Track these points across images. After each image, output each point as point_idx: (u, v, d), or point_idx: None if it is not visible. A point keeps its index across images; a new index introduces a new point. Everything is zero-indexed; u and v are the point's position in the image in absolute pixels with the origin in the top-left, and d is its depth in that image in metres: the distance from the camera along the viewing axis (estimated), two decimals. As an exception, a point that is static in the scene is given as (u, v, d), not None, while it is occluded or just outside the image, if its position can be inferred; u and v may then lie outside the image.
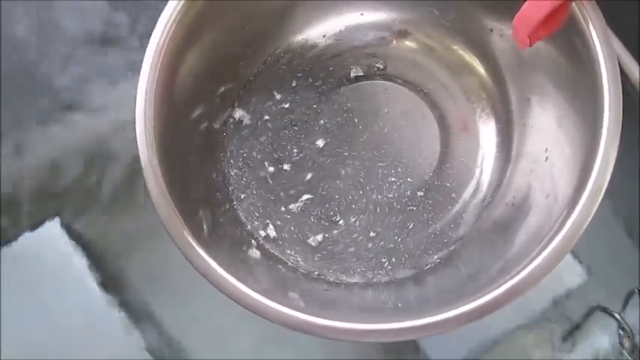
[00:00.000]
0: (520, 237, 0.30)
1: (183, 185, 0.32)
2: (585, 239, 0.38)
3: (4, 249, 0.39)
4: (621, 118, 0.27)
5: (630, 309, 0.38)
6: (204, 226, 0.31)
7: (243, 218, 0.36)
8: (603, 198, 0.38)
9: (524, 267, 0.26)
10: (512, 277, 0.26)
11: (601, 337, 0.38)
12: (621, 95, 0.27)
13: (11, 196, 0.40)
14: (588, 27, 0.28)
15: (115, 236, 0.40)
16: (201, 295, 0.38)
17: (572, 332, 0.38)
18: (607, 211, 0.39)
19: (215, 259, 0.28)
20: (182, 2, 0.31)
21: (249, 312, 0.27)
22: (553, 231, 0.27)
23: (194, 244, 0.28)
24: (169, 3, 0.31)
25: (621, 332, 0.37)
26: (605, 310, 0.38)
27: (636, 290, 0.38)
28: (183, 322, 0.38)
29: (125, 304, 0.38)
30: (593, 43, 0.28)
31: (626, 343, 0.37)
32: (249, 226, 0.36)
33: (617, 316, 0.37)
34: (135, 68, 0.35)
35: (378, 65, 0.38)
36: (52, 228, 0.40)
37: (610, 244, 0.39)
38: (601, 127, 0.27)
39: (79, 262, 0.39)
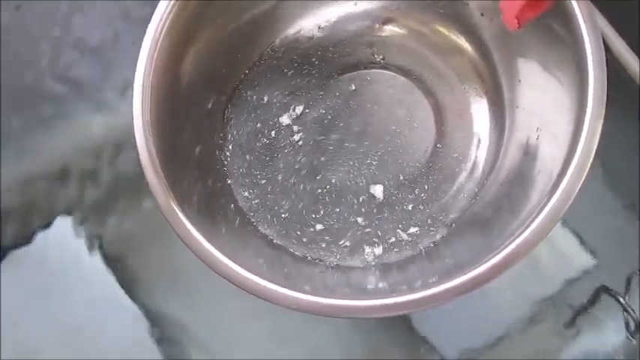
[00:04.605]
0: (513, 215, 0.30)
1: (183, 179, 0.33)
2: (591, 224, 0.39)
3: (17, 250, 0.40)
4: (605, 97, 0.27)
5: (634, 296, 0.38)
6: (200, 213, 0.32)
7: (241, 203, 0.37)
8: (610, 183, 0.39)
9: (512, 240, 0.27)
10: (498, 252, 0.26)
11: (606, 322, 0.38)
12: (605, 74, 0.28)
13: (22, 197, 0.41)
14: (573, 6, 0.29)
15: (126, 235, 0.40)
16: (213, 289, 0.39)
17: (577, 317, 0.38)
18: (614, 197, 0.39)
19: (215, 245, 0.29)
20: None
21: (258, 305, 0.28)
22: (541, 205, 0.27)
23: (190, 228, 0.29)
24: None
25: (625, 314, 0.37)
26: (608, 291, 0.38)
27: (637, 272, 0.37)
28: (194, 316, 0.39)
29: (138, 301, 0.39)
30: (578, 23, 0.28)
31: (631, 325, 0.37)
32: (241, 203, 0.37)
33: (620, 298, 0.37)
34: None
35: (373, 54, 0.39)
36: (64, 227, 0.40)
37: (617, 229, 0.39)
38: (586, 105, 0.28)
39: (91, 260, 0.40)
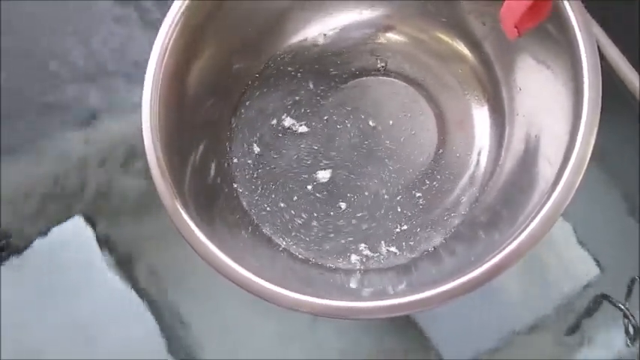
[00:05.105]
0: (512, 218, 0.31)
1: (190, 183, 0.33)
2: (595, 231, 0.39)
3: (29, 248, 0.40)
4: (600, 100, 0.28)
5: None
6: (206, 213, 0.33)
7: (245, 206, 0.37)
8: (615, 192, 0.39)
9: (510, 242, 0.27)
10: (495, 255, 0.27)
11: (607, 328, 0.38)
12: (600, 78, 0.28)
13: (26, 198, 0.41)
14: (568, 13, 0.29)
15: (133, 236, 0.41)
16: (218, 290, 0.39)
17: (579, 324, 0.38)
18: (620, 205, 0.40)
19: (220, 247, 0.30)
20: (186, 3, 0.32)
21: (263, 306, 0.29)
22: (538, 207, 0.28)
23: (196, 231, 0.30)
24: (173, 5, 0.32)
25: (625, 320, 0.37)
26: (608, 298, 0.38)
27: (637, 278, 0.38)
28: (200, 316, 0.39)
29: (143, 301, 0.39)
30: (573, 27, 0.29)
31: (630, 331, 0.37)
32: (246, 207, 0.37)
33: (620, 304, 0.37)
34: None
35: (377, 61, 0.40)
36: (70, 228, 0.41)
37: (620, 236, 0.40)
38: (582, 109, 0.28)
39: (97, 260, 0.40)
